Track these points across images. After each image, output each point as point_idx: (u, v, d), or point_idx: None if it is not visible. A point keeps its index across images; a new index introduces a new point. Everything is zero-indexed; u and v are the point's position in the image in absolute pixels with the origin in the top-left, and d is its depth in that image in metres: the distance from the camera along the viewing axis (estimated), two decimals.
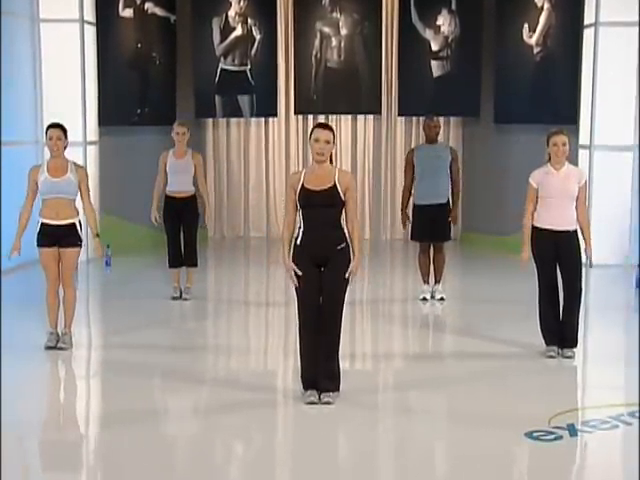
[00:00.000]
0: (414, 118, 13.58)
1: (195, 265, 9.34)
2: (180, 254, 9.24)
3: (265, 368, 7.42)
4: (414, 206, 9.11)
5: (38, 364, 7.02)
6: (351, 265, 5.79)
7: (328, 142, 5.77)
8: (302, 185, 5.78)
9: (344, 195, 5.76)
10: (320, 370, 5.90)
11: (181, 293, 9.31)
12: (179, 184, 9.04)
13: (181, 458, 5.21)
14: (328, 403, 5.87)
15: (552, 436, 5.38)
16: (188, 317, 8.87)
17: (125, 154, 12.19)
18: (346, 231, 5.86)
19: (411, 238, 9.32)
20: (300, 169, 6.02)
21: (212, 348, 7.85)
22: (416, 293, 9.42)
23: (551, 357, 7.08)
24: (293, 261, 5.84)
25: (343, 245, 5.81)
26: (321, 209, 5.76)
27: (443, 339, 8.20)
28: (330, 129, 5.85)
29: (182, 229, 9.18)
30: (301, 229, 5.83)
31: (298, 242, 5.84)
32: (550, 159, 7.17)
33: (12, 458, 4.99)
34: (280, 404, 6.14)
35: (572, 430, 5.50)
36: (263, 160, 13.89)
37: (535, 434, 5.38)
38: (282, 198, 13.93)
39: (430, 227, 9.03)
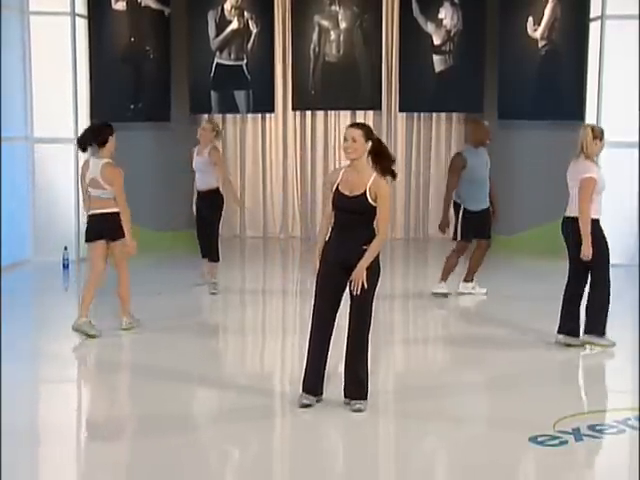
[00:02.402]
0: (415, 114, 13.58)
1: (213, 260, 9.58)
2: (202, 247, 9.63)
3: (266, 371, 7.41)
4: (464, 209, 9.20)
5: (33, 368, 7.02)
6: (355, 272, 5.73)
7: (355, 140, 5.78)
8: (337, 187, 5.83)
9: (374, 202, 5.77)
10: (346, 375, 5.93)
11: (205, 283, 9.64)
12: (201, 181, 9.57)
13: (177, 466, 5.19)
14: (359, 410, 5.86)
15: (557, 441, 5.38)
16: (184, 319, 8.85)
17: (118, 151, 12.10)
18: (375, 233, 5.84)
19: (461, 238, 9.34)
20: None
21: (209, 351, 7.84)
22: (416, 293, 9.41)
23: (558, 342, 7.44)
24: (321, 258, 5.89)
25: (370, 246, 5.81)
26: (351, 214, 5.80)
27: (444, 340, 8.20)
28: (358, 126, 5.90)
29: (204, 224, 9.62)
30: (332, 227, 5.90)
31: (326, 238, 5.92)
32: (590, 154, 7.30)
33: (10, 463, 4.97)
34: (281, 410, 6.13)
35: (577, 435, 5.50)
36: (260, 157, 13.87)
37: (540, 439, 5.38)
38: (279, 197, 13.92)
39: (478, 228, 9.25)
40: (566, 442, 5.37)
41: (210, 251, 9.57)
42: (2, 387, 6.05)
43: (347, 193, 5.77)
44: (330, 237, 5.88)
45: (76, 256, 11.14)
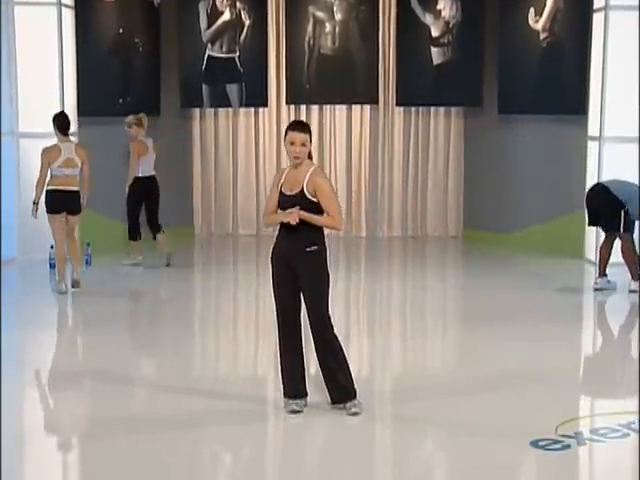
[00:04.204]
0: (413, 108, 13.55)
1: (162, 232, 11.08)
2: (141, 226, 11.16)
3: (257, 375, 7.39)
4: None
5: (16, 370, 6.99)
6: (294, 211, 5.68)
7: (304, 145, 5.77)
8: (280, 187, 5.85)
9: (314, 197, 5.75)
10: (327, 381, 5.91)
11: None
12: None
13: (166, 472, 5.17)
14: (355, 414, 5.83)
15: (559, 445, 5.36)
16: (174, 321, 8.83)
17: (106, 146, 12.10)
18: (324, 232, 5.83)
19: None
20: (287, 166, 5.98)
21: (198, 354, 7.83)
22: (417, 292, 9.39)
23: None
24: (270, 259, 5.90)
25: (314, 248, 5.78)
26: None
27: (443, 342, 8.19)
28: (306, 130, 5.83)
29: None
30: (278, 228, 5.90)
31: (274, 240, 5.92)
32: None
33: None
34: (271, 414, 6.11)
35: (580, 439, 5.48)
36: (253, 153, 13.85)
37: (541, 443, 5.36)
38: None
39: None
40: (569, 446, 5.34)
41: (158, 225, 11.00)
42: None
43: (288, 192, 5.79)
44: (277, 238, 5.88)
45: None
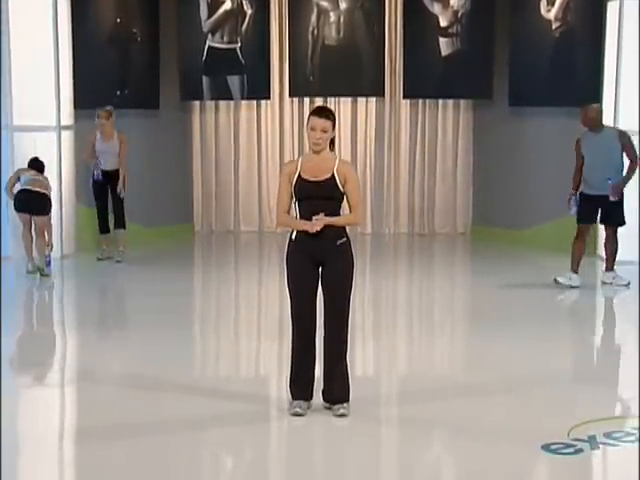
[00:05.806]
0: (420, 101, 13.52)
1: (125, 227, 11.27)
2: (114, 220, 11.30)
3: (259, 376, 7.39)
4: (582, 193, 9.60)
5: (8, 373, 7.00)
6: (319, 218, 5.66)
7: (325, 131, 5.73)
8: (299, 175, 5.77)
9: (343, 187, 5.73)
10: (327, 379, 5.89)
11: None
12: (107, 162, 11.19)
13: (166, 474, 5.16)
14: (343, 415, 5.82)
15: (571, 449, 5.35)
16: (173, 320, 8.82)
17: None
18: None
19: (577, 222, 9.70)
20: (296, 157, 5.94)
21: (200, 355, 7.82)
22: (422, 292, 9.39)
23: None
24: (287, 258, 5.84)
25: (343, 240, 5.79)
26: (319, 201, 5.72)
27: (451, 342, 8.17)
28: (328, 116, 5.80)
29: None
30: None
31: (293, 237, 5.82)
32: None
33: None
34: (274, 416, 6.10)
35: (593, 443, 5.46)
36: (255, 147, 13.84)
37: (553, 447, 5.35)
38: (275, 189, 13.86)
39: (599, 212, 9.59)
40: (581, 450, 5.33)
41: (123, 221, 11.18)
42: None
43: (312, 178, 5.72)
44: (295, 238, 5.80)
45: (60, 253, 11.07)
